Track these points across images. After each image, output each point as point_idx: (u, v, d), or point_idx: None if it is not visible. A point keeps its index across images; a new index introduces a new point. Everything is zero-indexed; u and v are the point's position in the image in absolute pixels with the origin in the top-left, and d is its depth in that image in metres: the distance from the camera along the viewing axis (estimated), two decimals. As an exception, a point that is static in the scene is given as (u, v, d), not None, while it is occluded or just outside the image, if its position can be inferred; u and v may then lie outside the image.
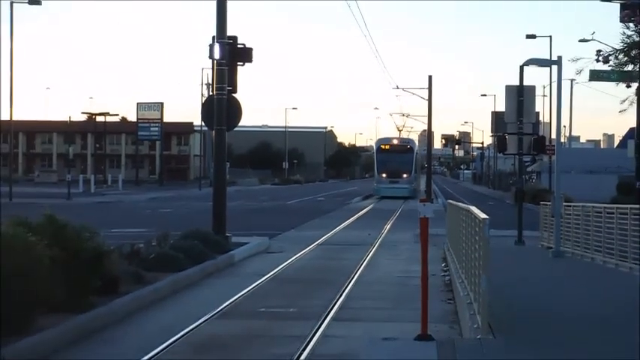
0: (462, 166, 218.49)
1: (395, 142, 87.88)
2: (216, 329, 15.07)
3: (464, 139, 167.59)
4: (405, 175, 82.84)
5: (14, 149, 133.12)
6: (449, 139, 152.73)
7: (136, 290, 17.64)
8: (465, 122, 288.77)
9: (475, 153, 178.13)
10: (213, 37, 27.79)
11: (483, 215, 13.04)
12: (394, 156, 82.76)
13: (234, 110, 28.47)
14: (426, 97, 73.34)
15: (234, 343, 13.91)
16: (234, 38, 28.08)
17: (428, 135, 77.90)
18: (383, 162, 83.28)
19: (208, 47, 27.71)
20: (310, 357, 12.79)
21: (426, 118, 75.24)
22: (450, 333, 14.84)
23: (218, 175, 29.47)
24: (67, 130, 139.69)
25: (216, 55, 27.62)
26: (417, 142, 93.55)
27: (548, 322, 13.93)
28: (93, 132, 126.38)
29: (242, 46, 28.13)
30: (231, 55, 27.81)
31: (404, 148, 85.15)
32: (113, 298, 16.34)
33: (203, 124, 31.95)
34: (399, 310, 17.47)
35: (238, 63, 28.15)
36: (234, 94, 28.36)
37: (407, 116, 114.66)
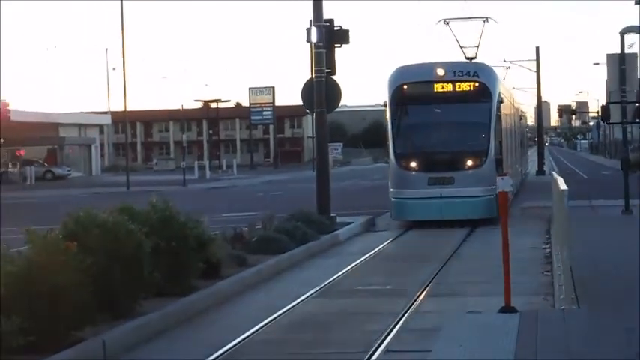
0: (578, 137, 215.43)
1: (440, 72, 29.81)
2: (312, 308, 15.51)
3: (579, 108, 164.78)
4: (470, 163, 29.47)
5: (133, 139, 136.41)
6: (564, 110, 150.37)
7: (239, 272, 18.23)
8: (580, 92, 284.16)
9: (591, 123, 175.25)
10: (310, 20, 28.27)
11: (563, 186, 13.24)
12: (439, 112, 30.52)
13: (333, 92, 28.89)
14: (534, 69, 72.68)
15: (328, 320, 14.33)
16: (331, 21, 28.50)
17: (538, 107, 76.76)
18: (408, 131, 30.97)
19: (305, 31, 28.23)
20: (400, 331, 13.14)
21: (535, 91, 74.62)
22: (543, 304, 14.97)
23: (320, 156, 29.98)
24: (181, 117, 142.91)
25: (314, 39, 28.09)
26: (498, 75, 32.51)
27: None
28: (207, 118, 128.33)
29: (339, 28, 28.54)
30: (328, 37, 28.24)
31: (468, 88, 29.80)
32: (216, 281, 16.92)
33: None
34: (495, 284, 17.59)
35: (335, 45, 28.58)
36: (332, 76, 28.82)
37: (487, 21, 38.21)
